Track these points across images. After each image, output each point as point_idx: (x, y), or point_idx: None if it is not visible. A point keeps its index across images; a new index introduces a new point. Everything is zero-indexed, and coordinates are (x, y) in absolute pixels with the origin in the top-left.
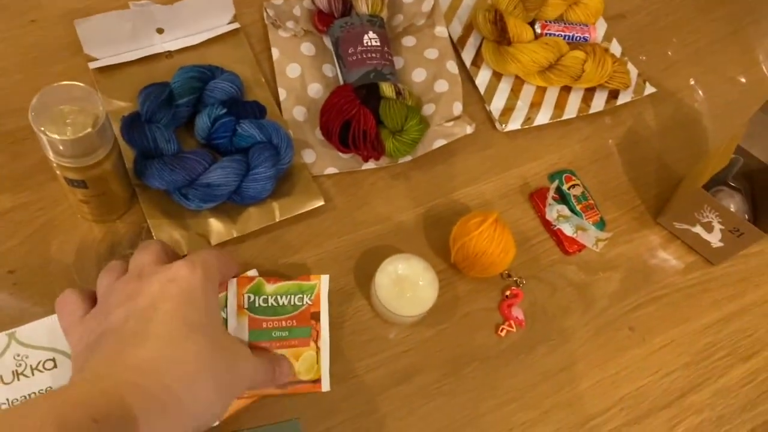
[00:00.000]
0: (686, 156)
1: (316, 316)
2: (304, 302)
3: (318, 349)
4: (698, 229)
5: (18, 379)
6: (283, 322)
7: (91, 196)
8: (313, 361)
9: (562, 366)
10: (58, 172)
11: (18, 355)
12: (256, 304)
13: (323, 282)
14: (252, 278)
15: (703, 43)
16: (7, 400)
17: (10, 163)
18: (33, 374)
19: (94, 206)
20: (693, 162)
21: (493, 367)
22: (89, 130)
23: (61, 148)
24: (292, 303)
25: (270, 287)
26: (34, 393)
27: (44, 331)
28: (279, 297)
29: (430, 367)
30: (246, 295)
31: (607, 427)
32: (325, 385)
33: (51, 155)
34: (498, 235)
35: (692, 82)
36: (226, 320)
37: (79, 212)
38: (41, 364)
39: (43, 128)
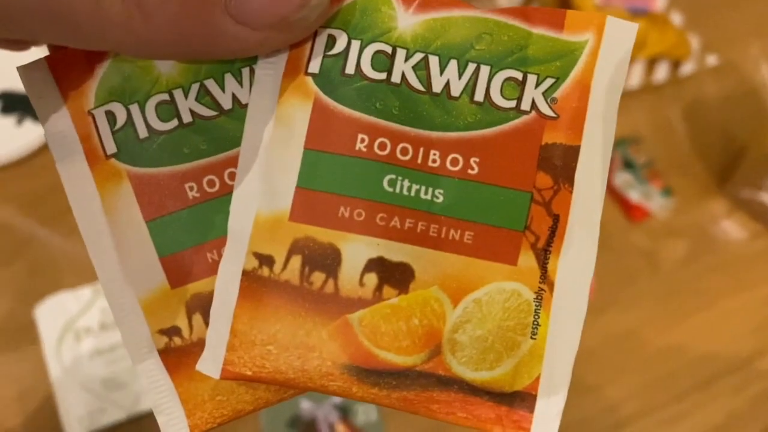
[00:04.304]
0: (751, 127)
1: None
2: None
3: (546, 289)
4: (765, 197)
5: (105, 331)
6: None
7: None
8: (523, 324)
9: (630, 330)
10: None
11: (104, 309)
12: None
13: (613, 34)
14: None
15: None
16: (97, 350)
17: None
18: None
19: None
20: (759, 132)
21: None
22: None
23: None
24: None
25: (414, 19)
26: (120, 345)
27: None
28: (441, 55)
29: None
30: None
31: (674, 391)
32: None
33: None
34: None
35: (756, 53)
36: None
37: None
38: None
39: None
